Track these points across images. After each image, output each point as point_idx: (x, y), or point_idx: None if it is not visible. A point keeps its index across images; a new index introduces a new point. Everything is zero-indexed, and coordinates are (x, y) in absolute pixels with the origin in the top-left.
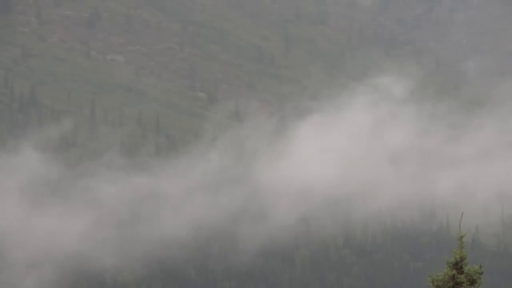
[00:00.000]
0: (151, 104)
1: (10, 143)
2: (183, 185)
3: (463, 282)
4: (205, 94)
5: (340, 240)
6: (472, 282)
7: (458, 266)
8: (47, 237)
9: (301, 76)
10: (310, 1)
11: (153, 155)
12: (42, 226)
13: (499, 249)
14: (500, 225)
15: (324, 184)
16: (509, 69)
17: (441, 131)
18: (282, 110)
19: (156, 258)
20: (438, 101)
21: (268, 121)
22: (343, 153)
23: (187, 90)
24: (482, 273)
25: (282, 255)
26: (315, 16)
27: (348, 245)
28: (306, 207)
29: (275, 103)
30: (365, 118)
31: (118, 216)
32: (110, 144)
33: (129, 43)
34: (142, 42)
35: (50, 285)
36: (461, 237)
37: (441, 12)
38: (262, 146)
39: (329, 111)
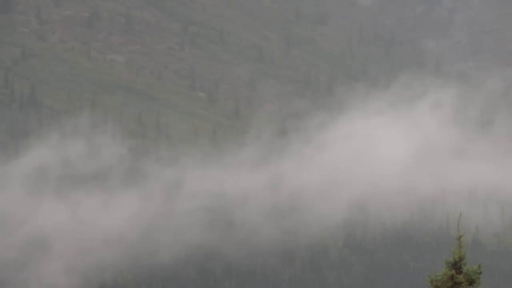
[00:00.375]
0: (151, 104)
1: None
2: (183, 185)
3: (462, 282)
4: (205, 94)
5: (340, 240)
6: (471, 282)
7: (457, 266)
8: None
9: (301, 76)
10: (310, 1)
11: (153, 155)
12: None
13: (499, 249)
14: (500, 225)
15: (324, 185)
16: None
17: (444, 131)
18: (282, 110)
19: (156, 258)
20: (439, 101)
21: (268, 121)
22: (345, 154)
23: (187, 90)
24: (481, 273)
25: (282, 255)
26: (315, 16)
27: (348, 245)
28: (306, 208)
29: (275, 103)
30: (364, 119)
31: (118, 216)
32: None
33: (129, 43)
34: (142, 42)
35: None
36: (460, 237)
37: (441, 12)
38: (263, 147)
39: (329, 111)
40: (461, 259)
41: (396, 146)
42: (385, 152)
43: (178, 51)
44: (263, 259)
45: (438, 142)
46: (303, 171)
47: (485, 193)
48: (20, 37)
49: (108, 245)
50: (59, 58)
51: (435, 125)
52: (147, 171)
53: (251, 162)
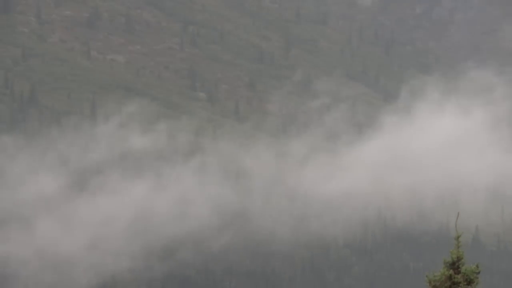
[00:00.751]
0: (151, 104)
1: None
2: (182, 185)
3: (460, 282)
4: (205, 94)
5: (340, 240)
6: (469, 282)
7: (455, 266)
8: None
9: (301, 76)
10: (310, 1)
11: (154, 156)
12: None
13: (499, 249)
14: (500, 225)
15: (324, 184)
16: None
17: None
18: (282, 110)
19: (155, 258)
20: (440, 103)
21: (269, 121)
22: (347, 154)
23: (187, 90)
24: (479, 272)
25: (282, 255)
26: (315, 16)
27: (348, 245)
28: (305, 207)
29: (275, 103)
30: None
31: (118, 218)
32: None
33: (129, 43)
34: (142, 42)
35: None
36: (458, 237)
37: (441, 12)
38: (262, 147)
39: (329, 111)
40: (459, 259)
41: (395, 147)
42: (385, 153)
43: (178, 51)
44: (263, 259)
45: (437, 143)
46: (303, 171)
47: (486, 193)
48: (20, 37)
49: (107, 246)
50: (59, 58)
51: (436, 127)
52: (149, 170)
53: (251, 162)
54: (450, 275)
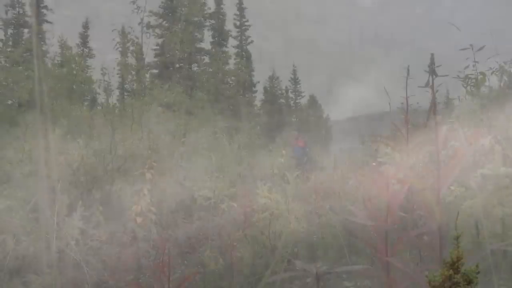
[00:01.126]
0: (151, 104)
1: None
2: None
3: (460, 282)
4: (205, 94)
5: (340, 240)
6: (469, 282)
7: (454, 266)
8: None
9: (301, 76)
10: (310, 1)
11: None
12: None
13: (499, 249)
14: (500, 225)
15: (322, 184)
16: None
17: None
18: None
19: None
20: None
21: (268, 121)
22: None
23: (188, 90)
24: (478, 272)
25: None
26: (315, 16)
27: (348, 245)
28: (307, 206)
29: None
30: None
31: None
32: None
33: (129, 43)
34: (142, 42)
35: None
36: (457, 237)
37: (441, 12)
38: (260, 146)
39: (329, 110)
40: (458, 259)
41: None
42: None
43: (178, 51)
44: (263, 259)
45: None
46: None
47: (486, 192)
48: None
49: (106, 246)
50: (59, 58)
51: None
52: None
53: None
54: (450, 275)
